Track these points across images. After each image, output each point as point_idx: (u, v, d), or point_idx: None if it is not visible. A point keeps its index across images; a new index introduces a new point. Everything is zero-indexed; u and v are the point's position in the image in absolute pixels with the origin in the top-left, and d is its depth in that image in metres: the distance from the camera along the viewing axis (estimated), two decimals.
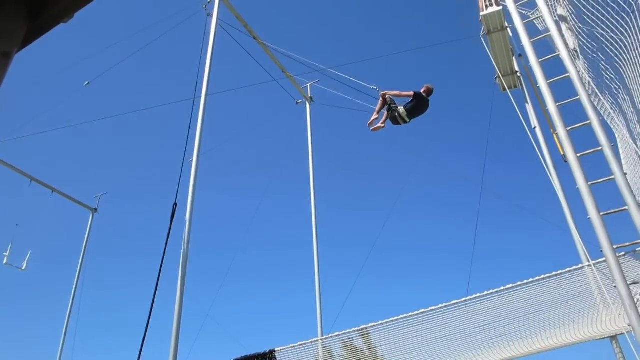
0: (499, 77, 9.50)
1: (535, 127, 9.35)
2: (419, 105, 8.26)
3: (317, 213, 12.01)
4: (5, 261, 12.58)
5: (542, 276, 5.80)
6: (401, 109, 8.27)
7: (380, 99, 8.50)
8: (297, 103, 13.44)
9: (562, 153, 6.25)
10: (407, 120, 8.34)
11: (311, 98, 13.53)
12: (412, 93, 8.24)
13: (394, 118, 8.37)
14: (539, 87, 6.24)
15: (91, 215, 15.90)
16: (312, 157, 12.68)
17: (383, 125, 8.56)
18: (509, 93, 8.84)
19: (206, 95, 8.65)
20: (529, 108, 9.63)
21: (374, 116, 8.57)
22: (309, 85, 13.65)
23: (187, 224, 7.85)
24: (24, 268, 12.97)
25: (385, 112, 8.51)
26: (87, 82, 12.58)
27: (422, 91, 8.29)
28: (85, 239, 15.46)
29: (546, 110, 6.41)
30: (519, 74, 10.02)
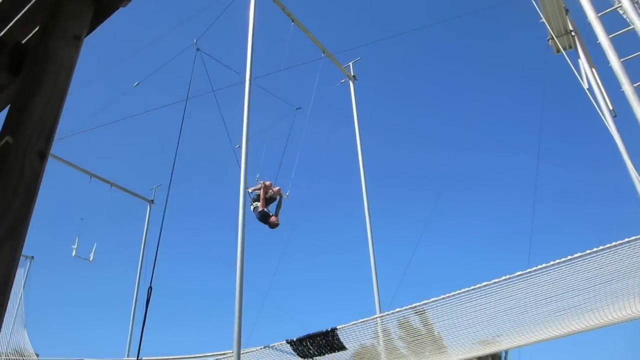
0: (552, 38, 9.04)
1: (592, 88, 8.85)
2: (261, 218, 9.05)
3: (367, 190, 11.94)
4: (74, 253, 13.26)
5: (613, 243, 5.52)
6: (257, 205, 9.15)
7: (259, 184, 9.33)
8: (341, 82, 13.32)
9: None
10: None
11: (354, 76, 13.37)
12: (262, 209, 9.04)
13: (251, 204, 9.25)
14: (599, 43, 5.89)
15: (148, 207, 16.49)
16: (360, 134, 12.57)
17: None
18: (564, 54, 8.39)
19: (250, 79, 8.70)
20: (586, 68, 9.12)
21: (249, 190, 9.21)
22: (351, 64, 13.48)
23: (241, 209, 7.95)
24: (91, 259, 13.63)
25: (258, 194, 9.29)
26: (136, 83, 12.96)
27: (271, 218, 9.04)
28: (145, 230, 16.08)
29: (609, 67, 6.04)
30: (573, 34, 9.49)
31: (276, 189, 9.43)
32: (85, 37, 1.82)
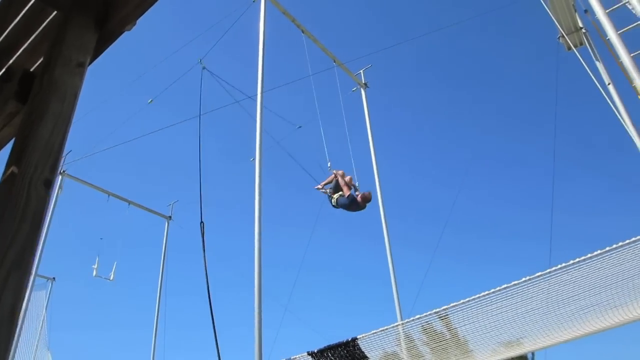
0: (563, 36, 8.96)
1: (609, 84, 8.74)
2: (350, 205, 8.68)
3: (383, 197, 11.91)
4: (94, 273, 13.42)
5: (635, 238, 5.41)
6: (336, 197, 8.79)
7: (332, 175, 8.97)
8: (353, 91, 13.35)
9: None
10: (336, 207, 8.90)
11: (366, 84, 13.40)
12: (349, 194, 8.62)
13: (329, 198, 8.97)
14: (608, 39, 5.83)
15: (166, 223, 16.64)
16: (373, 141, 12.57)
17: (325, 192, 9.14)
18: (575, 51, 8.31)
19: (262, 92, 8.77)
20: (599, 64, 9.01)
21: (319, 186, 9.18)
22: (362, 71, 13.52)
23: (257, 223, 7.97)
24: (111, 279, 13.78)
25: (330, 187, 9.01)
26: (150, 100, 13.16)
27: (359, 197, 8.67)
28: (164, 246, 16.22)
29: (620, 62, 5.96)
30: (584, 30, 9.40)
31: (348, 177, 9.10)
32: (91, 63, 1.87)
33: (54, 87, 1.42)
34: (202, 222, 5.65)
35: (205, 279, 5.20)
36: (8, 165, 1.25)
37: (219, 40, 11.62)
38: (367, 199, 8.65)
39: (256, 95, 8.94)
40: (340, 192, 8.73)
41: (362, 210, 8.84)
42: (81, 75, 1.52)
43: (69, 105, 1.43)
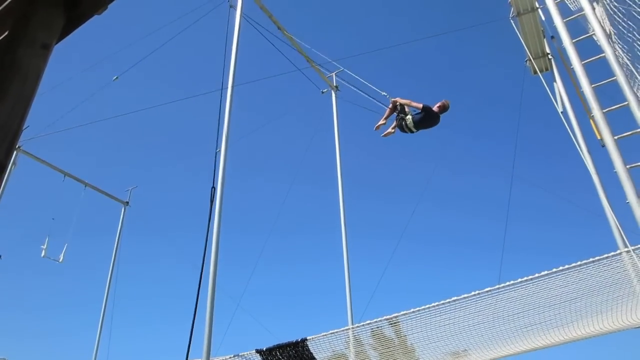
0: (530, 60, 9.26)
1: (566, 111, 9.10)
2: (427, 118, 8.00)
3: (344, 201, 12.00)
4: (43, 254, 12.96)
5: (579, 262, 5.66)
6: (409, 118, 8.05)
7: (390, 105, 8.30)
8: (323, 92, 13.40)
9: (598, 137, 6.07)
10: (414, 130, 8.14)
11: (336, 87, 13.48)
12: (421, 105, 7.96)
13: (401, 126, 8.21)
14: (572, 68, 6.06)
15: (123, 209, 16.24)
16: (339, 145, 12.65)
17: (393, 130, 8.44)
18: (540, 76, 8.61)
19: (232, 86, 8.69)
20: (561, 91, 9.37)
21: (381, 121, 8.45)
22: (333, 74, 13.59)
23: (217, 215, 7.89)
24: (60, 260, 13.34)
25: (395, 119, 8.34)
26: (115, 77, 12.84)
27: (436, 106, 8.01)
28: (118, 232, 15.82)
29: (580, 92, 6.21)
30: (550, 56, 9.75)
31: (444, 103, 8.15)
32: (56, 44, 1.81)
33: (16, 68, 1.37)
34: (213, 187, 5.58)
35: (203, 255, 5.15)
36: None
37: (188, 27, 11.47)
38: (445, 107, 7.97)
39: (225, 87, 8.85)
40: (409, 111, 8.10)
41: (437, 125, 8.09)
42: (45, 57, 1.47)
43: (30, 87, 1.38)
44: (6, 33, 1.63)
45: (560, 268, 5.81)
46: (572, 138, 7.46)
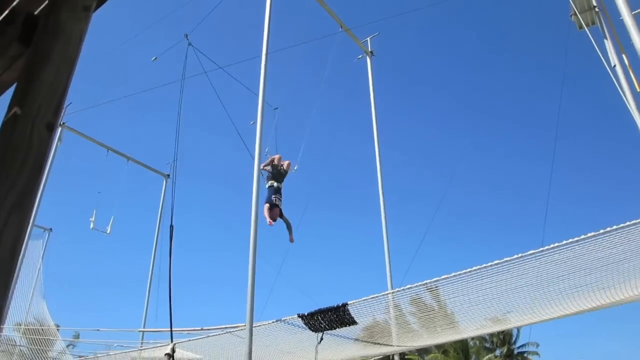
0: (575, 14, 8.78)
1: (614, 66, 8.62)
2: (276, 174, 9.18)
3: (382, 168, 11.91)
4: (91, 226, 13.53)
5: (627, 223, 5.45)
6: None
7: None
8: (358, 58, 13.16)
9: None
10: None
11: (372, 52, 13.20)
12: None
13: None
14: (621, 20, 5.72)
15: (164, 181, 16.69)
16: (375, 111, 12.46)
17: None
18: (587, 30, 8.17)
19: (267, 54, 8.65)
20: (609, 45, 8.87)
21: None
22: (368, 39, 13.29)
23: (255, 183, 7.98)
24: (108, 232, 13.90)
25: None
26: (154, 57, 12.98)
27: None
28: (161, 204, 16.31)
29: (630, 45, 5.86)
30: (597, 9, 9.21)
31: (285, 163, 9.38)
32: (96, 9, 1.83)
33: (60, 30, 1.39)
34: (172, 225, 5.99)
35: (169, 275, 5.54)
36: (10, 107, 1.24)
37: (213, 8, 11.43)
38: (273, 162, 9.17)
39: (260, 58, 8.82)
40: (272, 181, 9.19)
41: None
42: (87, 20, 1.49)
43: (73, 49, 1.40)
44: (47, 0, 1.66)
45: (608, 229, 5.61)
46: (621, 94, 7.10)
